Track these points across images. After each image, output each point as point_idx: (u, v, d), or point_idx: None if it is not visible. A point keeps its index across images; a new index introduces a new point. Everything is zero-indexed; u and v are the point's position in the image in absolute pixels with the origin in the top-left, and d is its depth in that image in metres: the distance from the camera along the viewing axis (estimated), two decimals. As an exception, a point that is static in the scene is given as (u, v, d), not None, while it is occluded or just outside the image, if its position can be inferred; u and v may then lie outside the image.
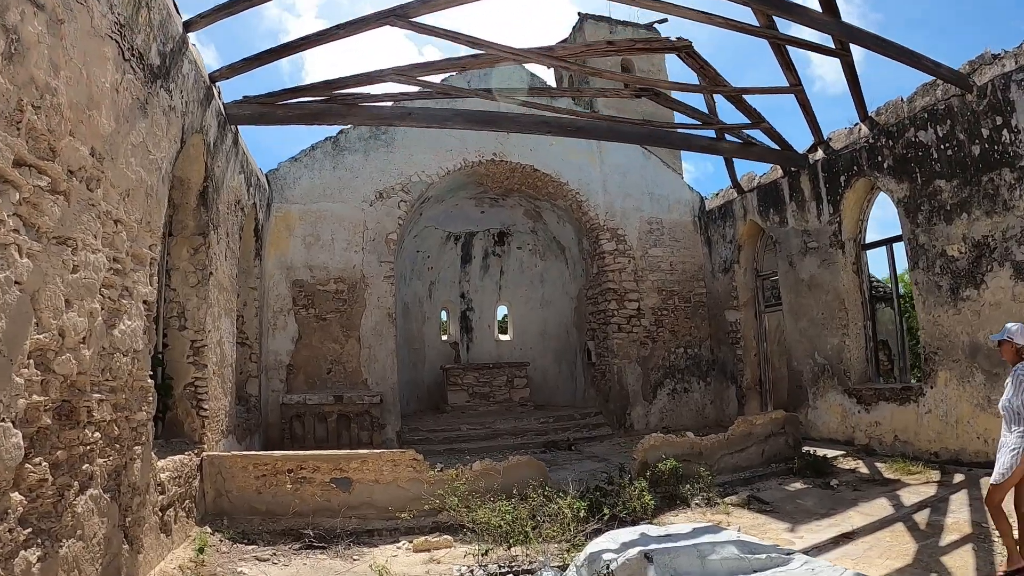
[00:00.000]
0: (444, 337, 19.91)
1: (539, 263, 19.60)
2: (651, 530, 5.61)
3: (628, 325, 15.86)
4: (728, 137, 12.46)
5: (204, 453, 8.10)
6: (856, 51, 9.96)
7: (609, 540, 5.27)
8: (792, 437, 10.76)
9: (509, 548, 6.69)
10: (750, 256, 15.38)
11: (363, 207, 14.12)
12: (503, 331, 21.55)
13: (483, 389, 17.21)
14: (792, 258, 13.08)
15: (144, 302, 6.15)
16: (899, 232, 10.85)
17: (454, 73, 11.69)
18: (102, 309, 5.18)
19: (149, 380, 6.29)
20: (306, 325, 13.48)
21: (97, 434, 5.05)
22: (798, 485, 9.36)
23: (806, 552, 5.67)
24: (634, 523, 7.09)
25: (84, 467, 4.83)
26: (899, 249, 11.21)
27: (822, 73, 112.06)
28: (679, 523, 7.13)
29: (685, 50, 9.01)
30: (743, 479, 9.66)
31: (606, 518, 7.33)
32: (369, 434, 12.59)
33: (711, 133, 12.52)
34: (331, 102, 9.46)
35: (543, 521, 6.91)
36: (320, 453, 8.21)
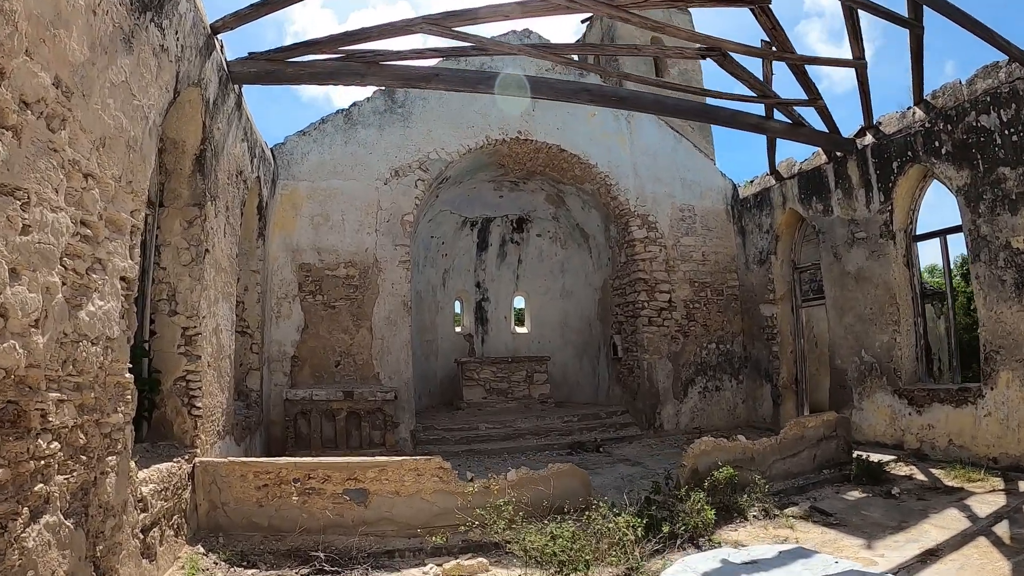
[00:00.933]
0: (458, 329, 18.79)
1: (560, 251, 18.47)
2: (732, 555, 5.22)
3: (659, 318, 14.83)
4: (777, 115, 11.48)
5: (197, 459, 6.99)
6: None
7: (685, 569, 4.84)
8: (843, 441, 10.02)
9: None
10: (787, 247, 14.55)
11: (377, 185, 12.99)
12: (520, 323, 20.49)
13: (501, 385, 16.12)
14: (837, 249, 12.31)
15: (122, 279, 5.02)
16: (949, 224, 10.48)
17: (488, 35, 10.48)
18: (64, 284, 4.06)
19: (127, 375, 5.18)
20: (313, 313, 12.35)
21: (55, 444, 3.93)
22: (856, 494, 8.68)
23: (895, 574, 5.42)
24: (693, 541, 6.75)
25: (37, 488, 3.72)
26: (954, 241, 10.94)
27: (827, 71, 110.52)
28: (747, 541, 6.74)
29: (761, 4, 7.85)
30: (797, 487, 8.90)
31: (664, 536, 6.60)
32: (381, 434, 11.47)
33: (759, 111, 11.67)
34: (348, 60, 8.32)
35: (598, 542, 6.05)
36: (331, 460, 7.07)
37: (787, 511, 7.75)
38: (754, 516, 7.58)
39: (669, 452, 12.41)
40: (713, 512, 7.03)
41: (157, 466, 6.06)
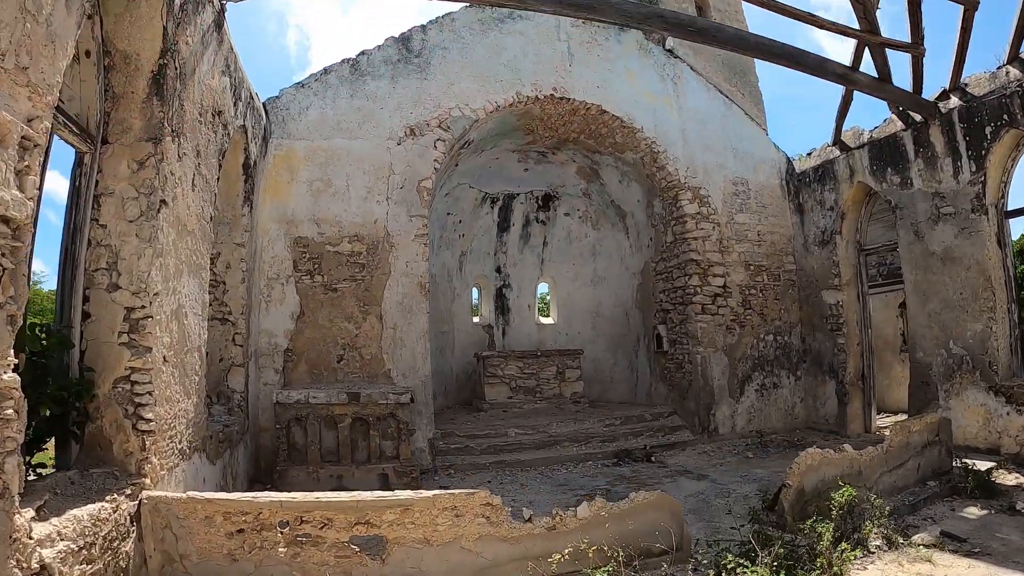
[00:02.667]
0: (476, 319, 16.72)
1: (591, 232, 16.40)
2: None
3: (713, 305, 12.90)
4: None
5: (145, 493, 4.96)
6: None
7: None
8: (945, 447, 8.78)
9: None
10: (853, 226, 12.96)
11: (389, 146, 10.90)
12: (544, 313, 18.44)
13: (528, 382, 14.12)
14: (919, 227, 10.95)
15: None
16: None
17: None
18: None
19: (8, 375, 3.18)
20: (311, 297, 10.28)
21: None
22: (975, 510, 7.54)
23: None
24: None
25: None
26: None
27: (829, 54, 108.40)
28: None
29: None
30: (908, 504, 7.56)
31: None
32: (394, 444, 9.41)
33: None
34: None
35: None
36: (333, 499, 5.01)
37: (914, 539, 6.45)
38: (877, 547, 6.25)
39: (731, 461, 11.00)
40: (854, 553, 5.77)
41: (76, 511, 4.06)
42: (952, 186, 10.40)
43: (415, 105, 11.13)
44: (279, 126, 10.53)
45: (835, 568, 5.41)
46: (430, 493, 5.13)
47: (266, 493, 5.03)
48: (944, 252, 10.53)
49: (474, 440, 11.22)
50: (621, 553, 5.28)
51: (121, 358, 5.10)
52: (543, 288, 18.18)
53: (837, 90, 11.83)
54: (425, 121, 11.12)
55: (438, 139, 11.11)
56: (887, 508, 6.66)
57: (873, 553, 6.11)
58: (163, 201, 5.48)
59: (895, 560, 6.03)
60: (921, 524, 7.02)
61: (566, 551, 5.16)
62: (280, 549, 4.88)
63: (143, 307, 5.20)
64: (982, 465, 8.76)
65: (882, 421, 13.30)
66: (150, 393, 5.19)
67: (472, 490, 5.29)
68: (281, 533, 4.90)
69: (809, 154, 13.95)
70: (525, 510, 5.55)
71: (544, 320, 17.59)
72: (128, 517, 4.72)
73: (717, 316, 12.85)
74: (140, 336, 5.17)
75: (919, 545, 6.35)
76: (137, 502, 4.88)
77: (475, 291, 16.92)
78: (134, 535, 4.79)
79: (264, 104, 10.25)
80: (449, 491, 5.21)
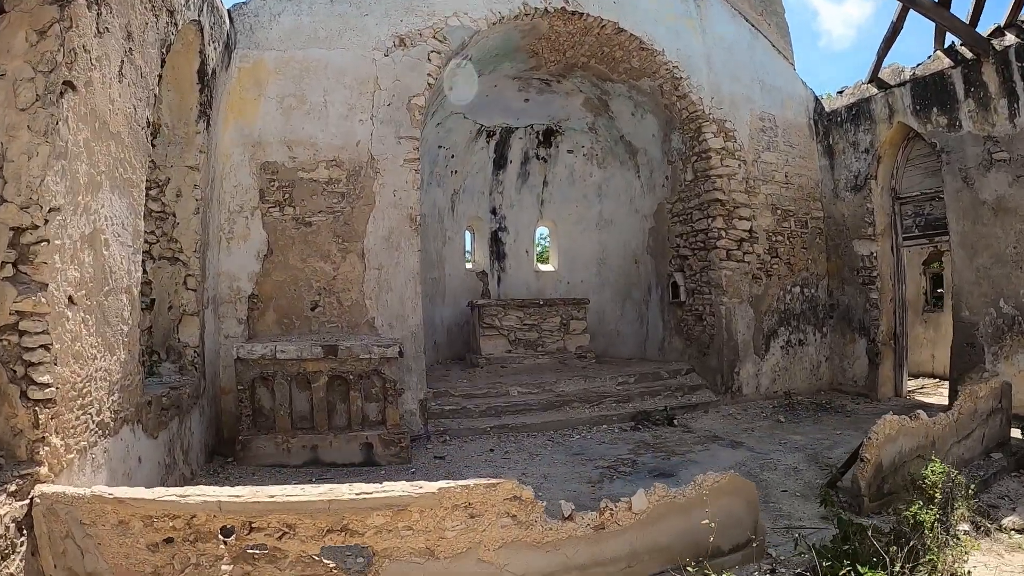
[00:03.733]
0: (469, 265, 15.20)
1: (596, 171, 14.85)
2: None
3: (738, 251, 11.56)
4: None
5: (38, 489, 3.58)
6: None
7: None
8: (1006, 415, 8.03)
9: None
10: (889, 172, 11.81)
11: (374, 57, 9.26)
12: (543, 259, 16.98)
13: (528, 335, 12.73)
14: (968, 173, 9.98)
15: None
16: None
17: None
18: None
19: None
20: (280, 233, 8.77)
21: None
22: None
23: None
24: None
25: None
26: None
27: (829, 27, 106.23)
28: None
29: None
30: (981, 480, 6.57)
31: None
32: (380, 407, 8.01)
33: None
34: None
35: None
36: (295, 497, 3.59)
37: (1004, 523, 5.60)
38: (964, 532, 5.30)
39: (762, 425, 9.93)
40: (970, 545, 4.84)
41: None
42: (1007, 130, 9.43)
43: (406, 12, 9.47)
44: (246, 35, 8.91)
45: (953, 568, 4.37)
46: (434, 487, 3.75)
47: (201, 489, 3.62)
48: (996, 201, 9.60)
49: (472, 401, 9.87)
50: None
51: (3, 298, 3.66)
52: (542, 232, 16.72)
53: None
54: (418, 31, 9.47)
55: (433, 51, 9.48)
56: (972, 487, 5.70)
57: (962, 540, 5.04)
58: (69, 84, 3.99)
59: (990, 549, 5.16)
60: (999, 503, 6.17)
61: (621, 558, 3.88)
62: (224, 567, 3.52)
63: (36, 227, 3.76)
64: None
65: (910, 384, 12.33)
66: (46, 347, 3.78)
67: (493, 480, 3.91)
68: (224, 544, 3.53)
69: (840, 92, 12.74)
70: (564, 504, 4.19)
71: (543, 267, 16.13)
72: (15, 524, 3.37)
73: (743, 263, 11.54)
74: (32, 268, 3.74)
75: (1011, 531, 5.51)
76: (28, 502, 3.49)
77: (468, 234, 15.40)
78: (24, 549, 3.42)
79: (229, 11, 8.64)
80: (462, 483, 3.82)
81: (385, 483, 3.80)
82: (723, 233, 11.40)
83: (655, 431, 9.48)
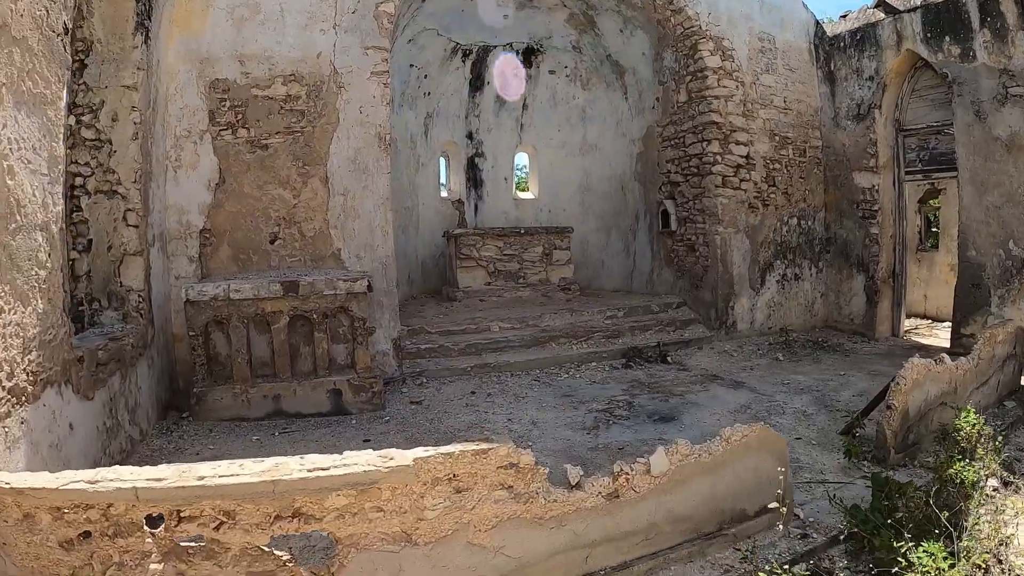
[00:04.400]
0: (444, 194, 14.35)
1: (580, 94, 13.93)
2: None
3: (735, 178, 10.91)
4: None
5: (-91, 475, 2.87)
6: None
7: None
8: (1019, 361, 7.68)
9: None
10: (893, 101, 11.18)
11: (337, -42, 8.30)
12: (523, 188, 16.17)
13: (509, 265, 12.06)
14: (981, 106, 9.43)
15: None
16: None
17: None
18: None
19: None
20: (234, 158, 7.91)
21: None
22: None
23: None
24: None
25: None
26: None
27: None
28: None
29: None
30: (1002, 431, 6.10)
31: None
32: (349, 348, 7.35)
33: None
34: None
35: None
36: (230, 478, 2.89)
37: None
38: (994, 489, 4.92)
39: (761, 364, 9.52)
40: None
41: None
42: (1024, 62, 8.84)
43: (374, -96, 8.46)
44: (190, -66, 7.88)
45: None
46: (408, 456, 3.10)
47: (116, 471, 2.92)
48: (1010, 138, 9.14)
49: (450, 338, 9.24)
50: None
51: None
52: (522, 159, 15.84)
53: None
54: (388, -75, 8.48)
55: (403, -50, 8.55)
56: (999, 439, 5.23)
57: (993, 498, 4.68)
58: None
59: None
60: (1020, 456, 5.77)
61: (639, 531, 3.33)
62: (152, 566, 2.86)
63: None
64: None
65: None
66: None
67: (483, 444, 3.29)
68: (152, 536, 2.86)
69: (844, 16, 12.12)
70: (571, 470, 3.58)
71: (523, 195, 15.32)
72: None
73: (739, 191, 10.91)
74: None
75: (1040, 488, 5.00)
76: None
77: (443, 161, 14.51)
78: None
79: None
80: (444, 450, 3.18)
81: (346, 453, 3.14)
82: (719, 158, 10.73)
83: (648, 369, 9.00)
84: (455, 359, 8.81)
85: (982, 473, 4.78)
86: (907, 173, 11.38)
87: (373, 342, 8.00)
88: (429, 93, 13.29)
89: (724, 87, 10.75)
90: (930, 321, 13.25)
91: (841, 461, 5.57)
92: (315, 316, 7.12)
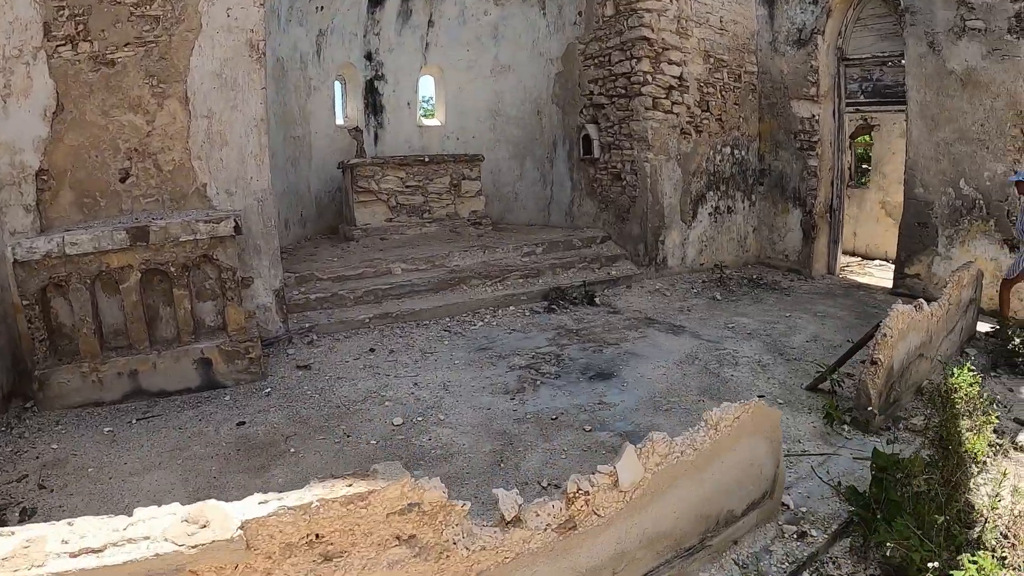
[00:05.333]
0: (340, 121, 12.81)
1: (493, 9, 12.48)
2: None
3: (666, 100, 9.96)
4: None
5: None
6: None
7: None
8: (976, 307, 7.50)
9: None
10: (837, 28, 10.58)
11: None
12: (429, 115, 14.76)
13: (413, 199, 10.81)
14: (935, 38, 8.99)
15: None
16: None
17: None
18: None
19: None
20: (74, 79, 6.21)
21: None
22: None
23: None
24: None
25: None
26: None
27: None
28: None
29: None
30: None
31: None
32: (218, 306, 6.00)
33: None
34: None
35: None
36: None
37: (1020, 439, 4.78)
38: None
39: (698, 304, 8.78)
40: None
41: None
42: (987, -6, 8.30)
43: None
44: None
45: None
46: (234, 515, 1.92)
47: None
48: (966, 73, 8.76)
49: (344, 284, 7.98)
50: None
51: None
52: (427, 82, 14.36)
53: None
54: None
55: None
56: (987, 397, 4.62)
57: (984, 463, 4.32)
58: None
59: (1016, 473, 4.21)
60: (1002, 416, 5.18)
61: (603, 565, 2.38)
62: None
63: None
64: (986, 327, 7.53)
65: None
66: None
67: (362, 482, 2.13)
68: None
69: None
70: (503, 497, 2.46)
71: (428, 122, 13.89)
72: None
73: (671, 115, 9.97)
74: None
75: (1032, 449, 4.57)
76: None
77: (338, 85, 12.92)
78: None
79: None
80: (294, 500, 1.99)
81: (138, 513, 1.95)
82: (650, 78, 9.73)
83: (575, 312, 8.06)
84: (351, 309, 7.60)
85: (983, 432, 4.27)
86: (848, 104, 10.79)
87: (251, 295, 6.66)
88: (322, 8, 11.60)
89: (657, 0, 9.63)
90: (860, 259, 12.88)
91: (817, 425, 4.83)
92: (173, 269, 5.73)
